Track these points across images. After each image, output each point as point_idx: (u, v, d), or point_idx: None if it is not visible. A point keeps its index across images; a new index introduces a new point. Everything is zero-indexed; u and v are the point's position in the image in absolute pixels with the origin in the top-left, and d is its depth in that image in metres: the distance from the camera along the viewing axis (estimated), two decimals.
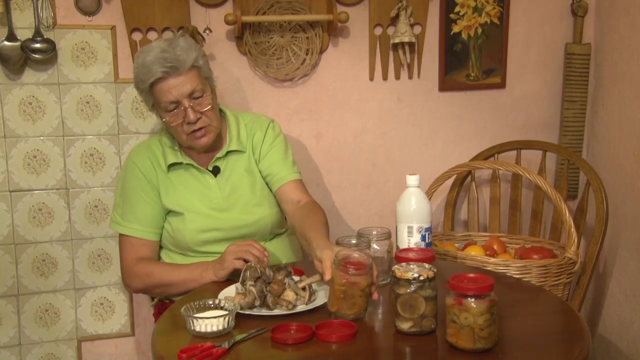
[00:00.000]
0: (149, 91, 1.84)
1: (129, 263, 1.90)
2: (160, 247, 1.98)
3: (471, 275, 1.34)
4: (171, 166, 1.93)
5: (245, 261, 1.69)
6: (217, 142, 1.96)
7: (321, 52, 2.40)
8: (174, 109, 1.83)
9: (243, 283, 1.57)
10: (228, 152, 1.95)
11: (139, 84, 1.85)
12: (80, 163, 2.26)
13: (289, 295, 1.53)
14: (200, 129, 1.85)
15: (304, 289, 1.56)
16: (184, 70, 1.80)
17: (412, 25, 2.39)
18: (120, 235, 1.94)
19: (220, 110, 1.99)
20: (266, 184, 2.01)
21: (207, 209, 1.91)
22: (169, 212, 1.93)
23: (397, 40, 2.37)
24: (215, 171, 1.95)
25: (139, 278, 1.88)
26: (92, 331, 2.35)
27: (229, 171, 1.96)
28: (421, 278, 1.36)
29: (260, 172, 1.99)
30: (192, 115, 1.82)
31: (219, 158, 1.95)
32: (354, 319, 1.44)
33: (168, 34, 2.26)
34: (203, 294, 1.63)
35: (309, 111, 2.43)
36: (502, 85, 2.57)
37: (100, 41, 2.22)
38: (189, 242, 1.89)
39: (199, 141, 1.87)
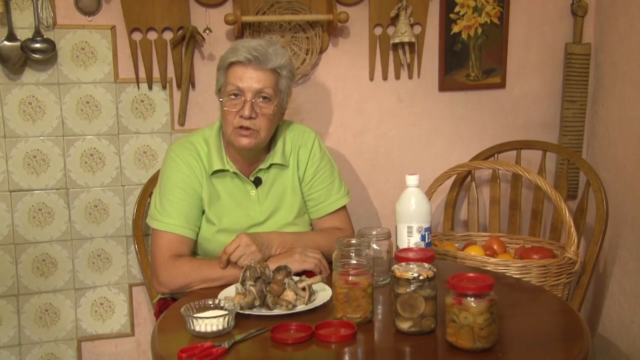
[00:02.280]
0: (225, 70, 1.84)
1: (167, 260, 1.80)
2: None
3: (471, 274, 1.35)
4: (215, 172, 1.88)
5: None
6: (262, 152, 1.91)
7: (321, 52, 2.40)
8: (236, 96, 1.81)
9: (243, 283, 1.57)
10: (271, 165, 1.91)
11: (221, 61, 1.87)
12: (80, 163, 2.26)
13: (289, 295, 1.53)
14: (247, 129, 1.81)
15: (303, 289, 1.56)
16: (265, 68, 1.80)
17: (412, 25, 2.39)
18: (158, 231, 1.83)
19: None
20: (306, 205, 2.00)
21: (241, 224, 1.87)
22: (203, 212, 1.88)
23: (397, 40, 2.37)
24: (257, 182, 1.91)
25: (183, 275, 1.76)
26: (92, 331, 2.35)
27: (270, 184, 1.92)
28: (421, 278, 1.36)
29: (302, 192, 1.97)
30: (247, 111, 1.79)
31: (262, 169, 1.91)
32: (361, 322, 1.44)
33: (168, 34, 2.26)
34: (203, 294, 1.63)
35: (309, 111, 2.43)
36: (502, 85, 2.57)
37: (100, 41, 2.22)
38: (217, 254, 1.83)
39: (240, 139, 1.82)
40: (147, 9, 2.22)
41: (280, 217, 1.91)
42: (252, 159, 1.91)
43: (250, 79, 1.80)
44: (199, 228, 1.88)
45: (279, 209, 1.92)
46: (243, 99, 1.80)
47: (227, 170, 1.88)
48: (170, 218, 1.83)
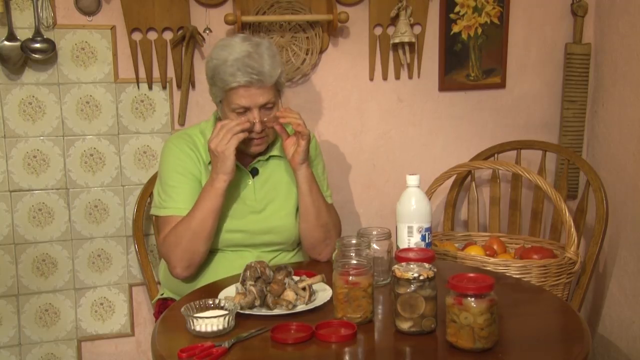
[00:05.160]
0: (225, 91, 1.82)
1: (163, 243, 1.84)
2: None
3: (471, 275, 1.34)
4: None
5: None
6: None
7: (321, 52, 2.40)
8: (242, 113, 1.83)
9: (243, 283, 1.57)
10: (270, 157, 1.95)
11: (218, 82, 1.82)
12: (80, 163, 2.26)
13: (289, 295, 1.53)
14: (260, 137, 1.86)
15: (304, 289, 1.56)
16: (267, 86, 1.81)
17: (412, 25, 2.39)
18: (160, 218, 1.87)
19: None
20: None
21: (238, 210, 1.89)
22: None
23: (397, 40, 2.37)
24: (254, 173, 1.94)
25: (174, 250, 1.80)
26: (92, 331, 2.35)
27: (267, 175, 1.94)
28: (421, 278, 1.36)
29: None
30: (258, 127, 1.82)
31: (260, 160, 1.94)
32: (361, 322, 1.44)
33: (168, 34, 2.26)
34: (203, 294, 1.63)
35: (309, 111, 2.43)
36: (502, 85, 2.57)
37: (100, 41, 2.22)
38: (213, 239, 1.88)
39: (254, 148, 1.88)
40: (147, 9, 2.22)
41: (277, 207, 1.93)
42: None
43: (254, 97, 1.81)
44: None
45: (276, 200, 1.94)
46: (250, 113, 1.83)
47: None
48: (175, 202, 1.86)
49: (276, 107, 1.87)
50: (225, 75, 1.79)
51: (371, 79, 2.46)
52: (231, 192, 1.90)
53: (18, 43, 2.13)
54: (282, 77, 1.88)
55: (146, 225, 2.29)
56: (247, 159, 1.95)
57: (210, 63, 1.85)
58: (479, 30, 2.50)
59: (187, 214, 1.82)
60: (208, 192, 1.80)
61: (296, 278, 1.62)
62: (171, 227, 1.84)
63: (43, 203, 2.25)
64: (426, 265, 1.42)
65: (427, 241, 1.72)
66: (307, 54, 2.36)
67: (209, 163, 1.90)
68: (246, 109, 1.83)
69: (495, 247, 2.21)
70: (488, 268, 1.92)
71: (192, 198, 1.85)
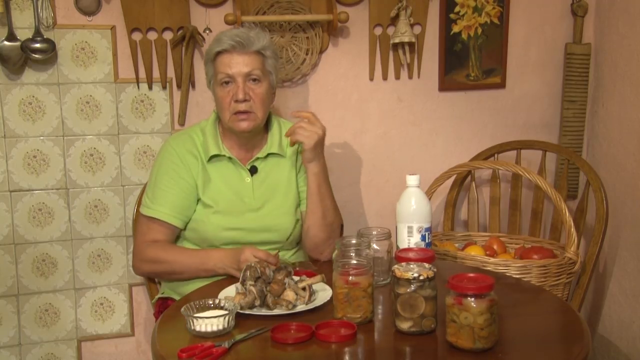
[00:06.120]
0: (212, 61, 1.90)
1: (140, 246, 1.91)
2: (177, 238, 1.96)
3: (471, 274, 1.35)
4: (211, 158, 1.92)
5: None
6: (258, 141, 1.97)
7: (321, 52, 2.40)
8: (228, 84, 1.87)
9: (243, 283, 1.57)
10: (268, 154, 1.95)
11: (207, 54, 1.93)
12: (80, 163, 2.26)
13: (289, 295, 1.53)
14: (244, 112, 1.87)
15: (304, 289, 1.56)
16: (250, 50, 1.87)
17: (412, 25, 2.39)
18: (142, 216, 1.92)
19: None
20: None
21: (236, 208, 1.90)
22: (199, 200, 1.92)
23: (397, 40, 2.37)
24: (253, 171, 1.95)
25: (148, 263, 1.89)
26: (92, 331, 2.35)
27: (266, 173, 1.95)
28: (421, 278, 1.36)
29: (297, 183, 2.00)
30: (240, 94, 1.85)
31: (259, 158, 1.95)
32: (361, 322, 1.44)
33: (168, 34, 2.26)
34: (203, 294, 1.63)
35: None
36: (502, 85, 2.57)
37: (100, 41, 2.22)
38: (210, 237, 1.89)
39: (240, 124, 1.87)
40: (147, 9, 2.22)
41: (275, 205, 1.94)
42: (249, 144, 1.95)
43: (237, 64, 1.86)
44: (190, 216, 1.92)
45: (273, 198, 1.94)
46: (235, 84, 1.86)
47: (223, 156, 1.93)
48: (160, 206, 1.89)
49: (263, 86, 1.88)
50: (213, 45, 1.89)
51: (371, 79, 2.46)
52: (229, 190, 1.92)
53: (18, 43, 2.13)
54: (269, 53, 1.90)
55: None
56: (245, 157, 1.95)
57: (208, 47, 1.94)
58: (479, 30, 2.50)
59: (176, 253, 1.88)
60: (205, 264, 1.83)
61: (296, 278, 1.62)
62: (151, 229, 1.89)
63: (43, 203, 2.25)
64: (426, 265, 1.42)
65: (427, 241, 1.72)
66: (307, 54, 2.36)
67: (208, 160, 1.91)
68: (231, 79, 1.86)
69: (495, 247, 2.21)
70: (488, 268, 1.92)
71: (177, 206, 1.89)
